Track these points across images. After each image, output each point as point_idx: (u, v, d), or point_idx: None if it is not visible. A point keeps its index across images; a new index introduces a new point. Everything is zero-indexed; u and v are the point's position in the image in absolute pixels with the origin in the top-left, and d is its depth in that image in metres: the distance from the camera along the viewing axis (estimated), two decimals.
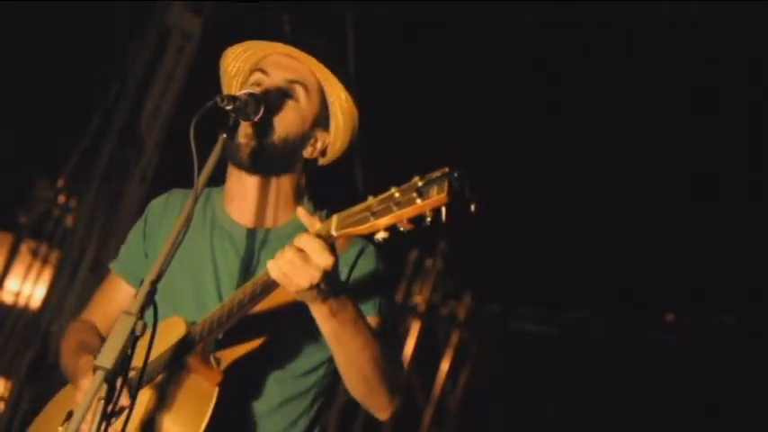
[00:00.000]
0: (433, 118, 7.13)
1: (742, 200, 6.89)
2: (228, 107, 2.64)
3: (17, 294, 7.70)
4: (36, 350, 6.67)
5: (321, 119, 2.84)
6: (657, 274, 7.56)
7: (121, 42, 6.92)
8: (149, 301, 2.36)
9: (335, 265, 2.39)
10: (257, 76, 2.82)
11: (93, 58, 7.11)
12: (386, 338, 2.67)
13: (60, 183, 7.34)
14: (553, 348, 8.48)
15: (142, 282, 2.54)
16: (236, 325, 2.62)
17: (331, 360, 2.82)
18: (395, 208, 2.25)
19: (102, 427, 2.30)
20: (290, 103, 2.79)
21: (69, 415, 2.91)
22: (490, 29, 6.62)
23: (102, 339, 3.01)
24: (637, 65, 6.50)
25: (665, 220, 7.21)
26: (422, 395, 8.79)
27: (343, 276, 2.65)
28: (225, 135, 2.64)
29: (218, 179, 2.86)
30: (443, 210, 2.19)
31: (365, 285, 2.73)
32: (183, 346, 2.66)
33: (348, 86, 2.82)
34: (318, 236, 2.38)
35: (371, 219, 2.29)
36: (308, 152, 2.85)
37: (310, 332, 2.73)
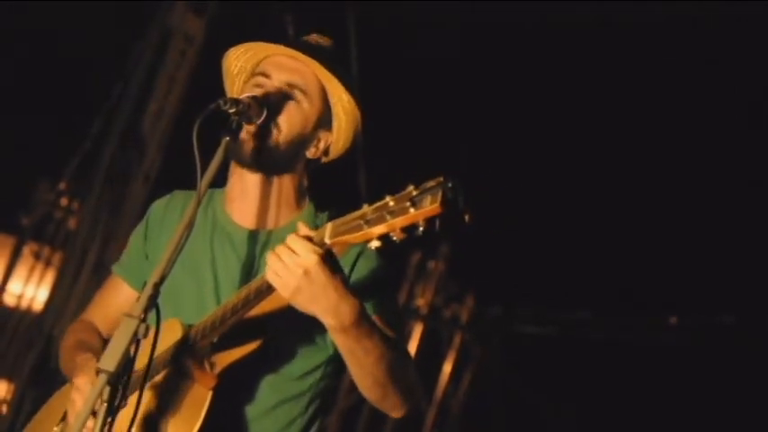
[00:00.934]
0: (436, 119, 7.13)
1: (742, 200, 6.89)
2: (231, 110, 2.64)
3: (19, 297, 7.69)
4: (38, 353, 6.67)
5: (324, 119, 2.84)
6: (658, 275, 7.55)
7: (124, 44, 6.91)
8: (152, 303, 2.37)
9: (322, 267, 2.38)
10: (259, 78, 2.82)
11: (95, 60, 7.11)
12: (395, 341, 2.66)
13: (62, 185, 7.33)
14: (555, 350, 8.48)
15: (144, 284, 2.55)
16: (232, 328, 2.62)
17: (328, 363, 2.82)
18: (388, 217, 2.25)
19: (105, 430, 2.30)
20: (292, 104, 2.78)
21: (65, 415, 2.91)
22: (492, 29, 6.62)
23: (103, 340, 3.02)
24: (638, 65, 6.50)
25: (666, 221, 7.20)
26: (424, 397, 8.78)
27: None
28: (227, 138, 2.64)
29: (219, 181, 2.87)
30: (437, 220, 2.19)
31: (366, 286, 2.72)
32: (180, 349, 2.66)
33: (350, 87, 2.81)
34: (311, 241, 2.39)
35: (365, 227, 2.30)
36: (310, 152, 2.85)
37: (306, 336, 2.75)
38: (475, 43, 6.78)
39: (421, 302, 8.71)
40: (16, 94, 7.21)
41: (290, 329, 2.71)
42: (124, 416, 2.44)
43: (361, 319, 2.48)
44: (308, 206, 2.88)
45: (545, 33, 6.55)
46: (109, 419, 2.31)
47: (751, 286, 7.27)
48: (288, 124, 2.76)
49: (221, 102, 2.63)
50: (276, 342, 2.71)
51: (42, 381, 6.52)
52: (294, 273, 2.38)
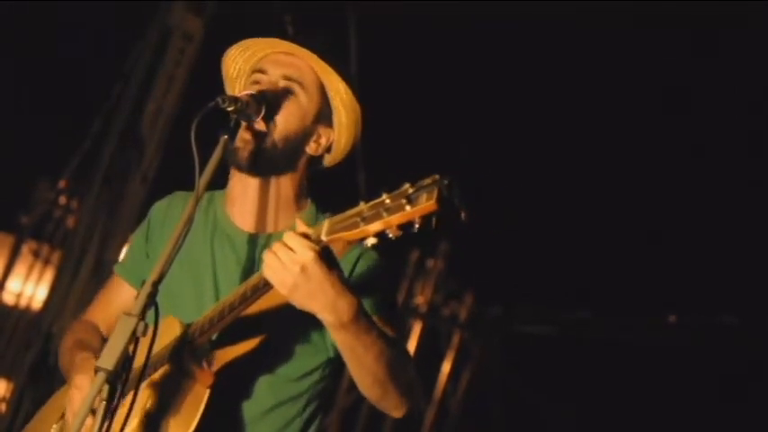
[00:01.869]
0: (436, 117, 7.13)
1: (743, 199, 6.89)
2: (230, 108, 2.64)
3: (18, 295, 7.70)
4: (37, 351, 6.67)
5: (323, 114, 2.83)
6: (659, 274, 7.55)
7: (123, 43, 6.92)
8: (150, 302, 2.37)
9: (318, 263, 2.38)
10: (256, 75, 2.82)
11: (94, 59, 7.11)
12: (394, 339, 2.66)
13: (62, 184, 7.33)
14: (555, 349, 8.48)
15: (143, 283, 2.56)
16: (231, 327, 2.63)
17: (326, 365, 2.82)
18: (384, 214, 2.25)
19: (105, 428, 2.30)
20: (289, 98, 2.78)
21: (64, 413, 2.91)
22: (494, 28, 6.62)
23: (102, 339, 3.01)
24: (640, 65, 6.50)
25: (667, 222, 7.20)
26: (423, 396, 8.78)
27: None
28: (226, 137, 2.64)
29: (220, 182, 2.87)
30: (432, 217, 2.20)
31: (366, 286, 2.71)
32: (178, 347, 2.66)
33: (347, 80, 2.81)
34: (308, 238, 2.39)
35: (361, 224, 2.30)
36: (311, 148, 2.83)
37: (306, 337, 2.74)
38: (475, 43, 6.78)
39: (420, 301, 8.71)
40: (16, 94, 7.21)
41: (290, 329, 2.71)
42: (122, 413, 2.45)
43: (360, 316, 2.48)
44: (309, 207, 2.87)
45: (545, 33, 6.55)
46: (107, 418, 2.31)
47: (752, 286, 7.27)
48: (284, 119, 2.76)
49: (220, 100, 2.62)
50: (275, 342, 2.71)
51: (41, 379, 6.52)
52: (291, 269, 2.38)
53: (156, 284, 2.39)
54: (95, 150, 6.89)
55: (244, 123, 2.71)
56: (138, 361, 2.38)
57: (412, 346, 8.58)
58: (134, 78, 6.82)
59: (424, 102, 6.98)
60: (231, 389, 2.70)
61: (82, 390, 2.71)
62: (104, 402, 2.29)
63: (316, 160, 2.88)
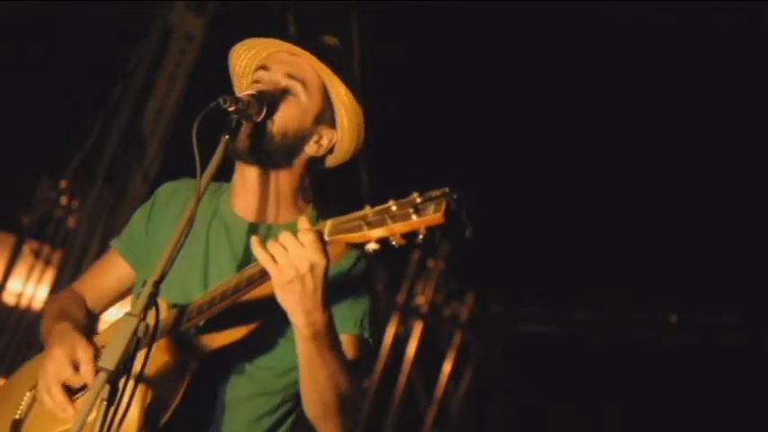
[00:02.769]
0: (438, 118, 7.13)
1: (744, 199, 6.89)
2: (231, 108, 2.64)
3: (19, 295, 7.69)
4: (38, 351, 6.66)
5: (325, 116, 2.82)
6: (661, 274, 7.55)
7: (124, 43, 6.92)
8: (152, 302, 2.37)
9: (325, 270, 2.38)
10: (259, 72, 2.83)
11: (95, 59, 7.11)
12: (354, 366, 2.66)
13: (63, 183, 7.33)
14: (556, 349, 8.48)
15: (138, 260, 2.69)
16: (220, 315, 2.62)
17: None
18: (389, 221, 2.25)
19: (105, 428, 2.30)
20: (289, 97, 2.77)
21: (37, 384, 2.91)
22: (496, 29, 6.62)
23: (86, 311, 3.03)
24: (642, 66, 6.50)
25: (668, 221, 7.20)
26: (424, 396, 8.78)
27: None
28: (227, 136, 2.64)
29: (226, 178, 2.87)
30: (437, 230, 2.20)
31: (352, 300, 2.71)
32: (165, 329, 2.65)
33: (349, 84, 2.80)
34: (321, 239, 2.38)
35: (365, 228, 2.29)
36: (311, 149, 2.82)
37: (289, 333, 2.72)
38: (476, 43, 6.78)
39: (421, 301, 8.70)
40: (17, 94, 7.21)
41: (276, 323, 2.68)
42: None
43: (329, 331, 2.48)
44: (310, 210, 2.86)
45: (544, 33, 6.55)
46: (108, 418, 2.31)
47: (754, 285, 7.27)
48: (283, 116, 2.75)
49: (221, 100, 2.62)
50: (261, 333, 2.70)
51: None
52: (296, 265, 2.37)
53: (157, 284, 2.40)
54: (97, 150, 6.90)
55: (245, 123, 2.71)
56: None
57: (413, 346, 8.58)
58: (135, 77, 6.82)
59: (426, 101, 6.98)
60: (211, 375, 2.70)
61: (55, 362, 2.68)
62: (105, 402, 2.29)
63: (317, 161, 2.87)
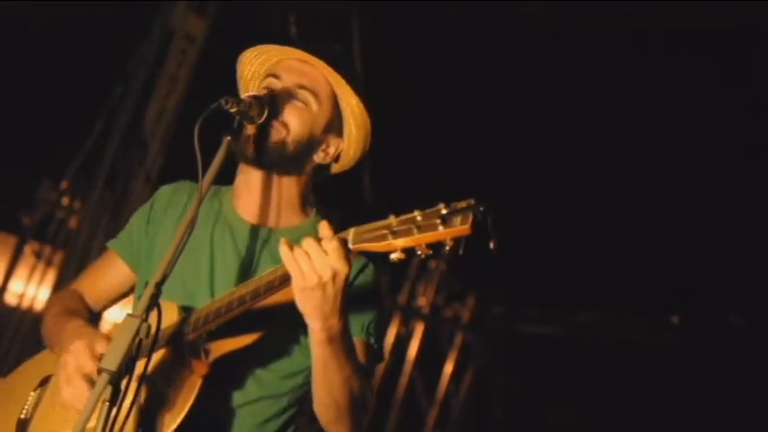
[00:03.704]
0: (440, 120, 7.13)
1: (745, 201, 6.88)
2: (233, 109, 2.65)
3: (21, 296, 7.69)
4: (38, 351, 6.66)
5: (334, 124, 2.84)
6: (662, 275, 7.55)
7: (125, 44, 6.92)
8: (154, 303, 2.37)
9: (346, 278, 2.39)
10: (269, 79, 2.83)
11: (96, 60, 7.12)
12: (366, 368, 2.68)
13: (64, 184, 7.33)
14: (557, 350, 8.48)
15: (137, 261, 2.67)
16: (231, 319, 2.62)
17: (310, 371, 2.81)
18: (416, 231, 2.25)
19: (107, 429, 2.30)
20: (299, 106, 2.79)
21: (44, 380, 2.92)
22: (497, 30, 6.62)
23: (88, 310, 3.04)
24: (644, 68, 6.50)
25: (669, 222, 7.20)
26: (425, 397, 8.78)
27: None
28: (229, 137, 2.65)
29: (229, 180, 2.88)
30: (463, 241, 2.21)
31: (359, 304, 2.72)
32: (174, 333, 2.66)
33: (360, 94, 2.82)
34: (345, 246, 2.39)
35: (390, 237, 2.29)
36: (319, 157, 2.85)
37: (298, 337, 2.75)
38: (476, 43, 6.78)
39: (422, 302, 8.71)
40: (18, 94, 7.21)
41: (286, 327, 2.70)
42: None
43: (345, 336, 2.50)
44: (313, 216, 2.88)
45: (544, 33, 6.55)
46: (109, 418, 2.31)
47: (757, 287, 7.27)
48: (297, 124, 2.77)
49: (223, 101, 2.63)
50: (270, 337, 2.70)
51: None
52: (319, 272, 2.37)
53: (159, 285, 2.40)
54: (98, 151, 6.90)
55: (247, 125, 2.71)
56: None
57: (414, 347, 8.59)
58: (136, 78, 6.82)
59: (428, 103, 6.98)
60: (220, 379, 2.70)
61: (77, 356, 2.67)
62: (107, 403, 2.29)
63: (323, 167, 2.89)
